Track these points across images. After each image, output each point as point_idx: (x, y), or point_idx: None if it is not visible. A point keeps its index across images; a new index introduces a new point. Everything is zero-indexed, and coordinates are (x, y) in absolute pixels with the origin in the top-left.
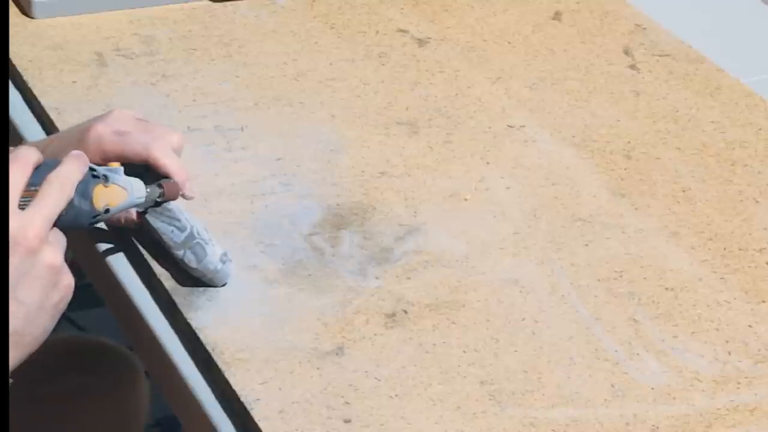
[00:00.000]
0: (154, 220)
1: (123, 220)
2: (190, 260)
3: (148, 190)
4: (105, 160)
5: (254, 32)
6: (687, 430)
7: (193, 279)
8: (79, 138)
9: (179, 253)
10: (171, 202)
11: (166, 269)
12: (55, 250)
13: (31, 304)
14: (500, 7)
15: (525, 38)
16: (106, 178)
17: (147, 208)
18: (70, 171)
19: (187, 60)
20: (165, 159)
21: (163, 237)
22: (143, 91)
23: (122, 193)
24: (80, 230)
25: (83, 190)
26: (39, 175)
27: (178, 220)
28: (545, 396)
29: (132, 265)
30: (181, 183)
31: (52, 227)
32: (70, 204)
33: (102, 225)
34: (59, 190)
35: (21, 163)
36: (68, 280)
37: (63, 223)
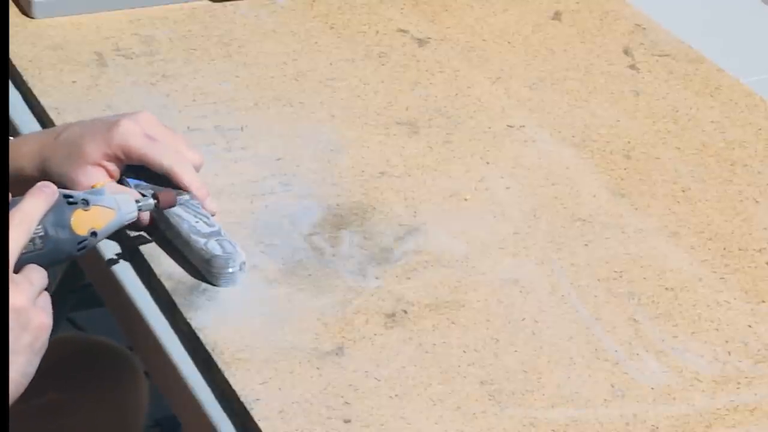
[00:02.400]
0: (179, 211)
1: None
2: (213, 247)
3: (140, 203)
4: (126, 157)
5: (254, 32)
6: (687, 430)
7: (200, 274)
8: (108, 128)
9: (201, 240)
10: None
11: (176, 260)
12: (18, 291)
13: None
14: (500, 7)
15: (525, 38)
16: (85, 202)
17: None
18: (30, 206)
19: (187, 60)
20: (187, 176)
21: (184, 225)
22: (143, 91)
23: (108, 213)
24: (70, 259)
25: (57, 219)
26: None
27: (207, 217)
28: (545, 396)
29: (132, 265)
30: (202, 199)
31: (18, 267)
32: (46, 237)
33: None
34: (17, 227)
35: None
36: (39, 320)
37: (46, 257)
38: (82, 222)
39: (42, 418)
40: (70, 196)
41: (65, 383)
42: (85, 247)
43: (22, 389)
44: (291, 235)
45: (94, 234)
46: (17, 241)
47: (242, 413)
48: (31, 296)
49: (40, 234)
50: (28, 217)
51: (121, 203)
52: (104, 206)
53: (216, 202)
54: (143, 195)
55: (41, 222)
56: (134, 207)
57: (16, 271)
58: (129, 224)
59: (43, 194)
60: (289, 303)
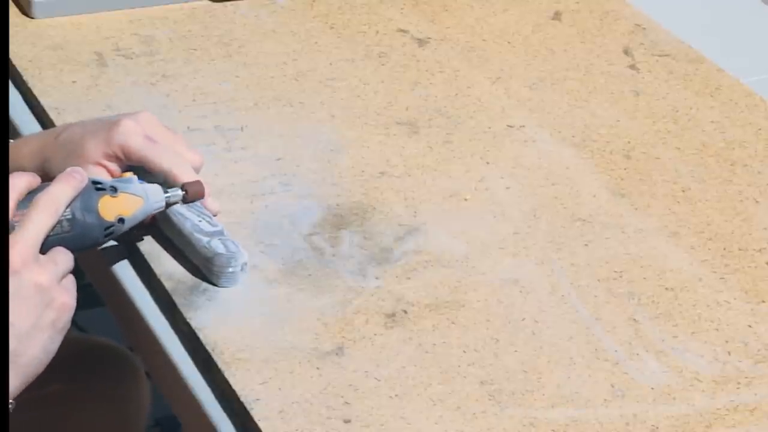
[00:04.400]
0: (182, 209)
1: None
2: (216, 246)
3: (168, 194)
4: (126, 157)
5: (254, 32)
6: (687, 430)
7: (200, 273)
8: (108, 128)
9: (204, 239)
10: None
11: (176, 259)
12: (42, 270)
13: (21, 325)
14: (500, 7)
15: (525, 38)
16: (114, 188)
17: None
18: (59, 190)
19: (187, 60)
20: (185, 177)
21: (187, 223)
22: (143, 91)
23: (136, 201)
24: (97, 245)
25: (85, 204)
26: (31, 198)
27: (210, 217)
28: (545, 396)
29: (132, 265)
30: (202, 200)
31: (45, 249)
32: (73, 221)
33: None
34: (44, 210)
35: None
36: (63, 299)
37: (73, 241)
38: (109, 208)
39: (42, 417)
40: (99, 182)
41: (65, 383)
42: (113, 233)
43: (42, 367)
44: (291, 235)
45: (121, 221)
46: (44, 223)
47: (242, 413)
48: (55, 276)
49: (68, 217)
50: (55, 200)
51: (149, 192)
52: (132, 194)
53: (216, 202)
54: (167, 189)
55: (69, 206)
56: (162, 196)
57: (43, 253)
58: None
59: (71, 179)
60: (289, 303)
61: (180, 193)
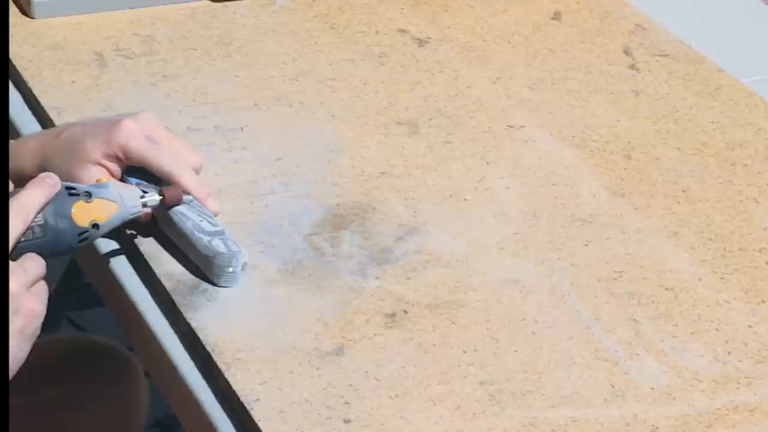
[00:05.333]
0: (183, 209)
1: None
2: (218, 245)
3: (144, 198)
4: (126, 157)
5: (254, 32)
6: (687, 430)
7: (200, 273)
8: (109, 128)
9: (205, 238)
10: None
11: (177, 259)
12: (11, 277)
13: None
14: (500, 7)
15: (525, 38)
16: (88, 194)
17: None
18: (29, 196)
19: (187, 60)
20: (185, 178)
21: (188, 223)
22: (143, 91)
23: (111, 207)
24: (71, 251)
25: (57, 209)
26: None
27: (210, 217)
28: (545, 396)
29: (132, 265)
30: (202, 200)
31: (16, 255)
32: (45, 226)
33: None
34: (14, 216)
35: None
36: (30, 305)
37: (45, 246)
38: (83, 213)
39: (42, 418)
40: (73, 188)
41: (65, 383)
42: (87, 239)
43: (12, 374)
44: (291, 235)
45: (95, 226)
46: (13, 228)
47: (242, 413)
48: (24, 282)
49: (40, 223)
50: (25, 206)
51: (125, 197)
52: (107, 199)
53: (217, 202)
54: (144, 192)
55: (42, 212)
56: (139, 201)
57: (13, 259)
58: (130, 221)
59: (44, 184)
60: (289, 303)
61: (157, 198)
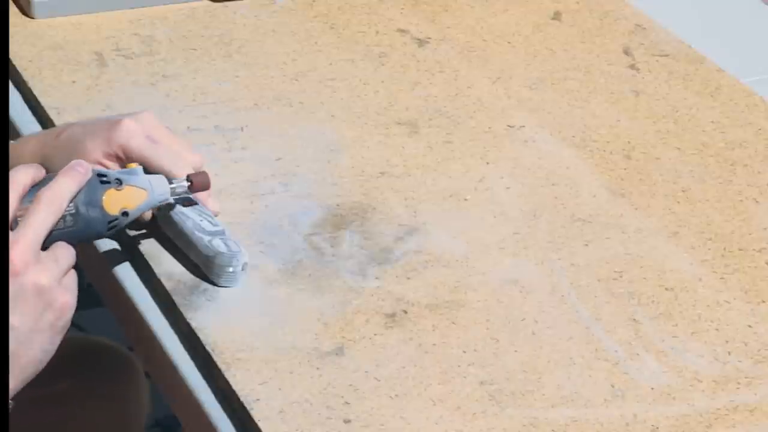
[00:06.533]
0: (182, 209)
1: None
2: (218, 245)
3: (173, 185)
4: (126, 157)
5: (254, 32)
6: (687, 430)
7: (200, 273)
8: (109, 127)
9: (205, 237)
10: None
11: (177, 259)
12: (43, 270)
13: (21, 326)
14: (500, 7)
15: (525, 38)
16: (119, 181)
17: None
18: (62, 185)
19: (187, 60)
20: None
21: (188, 222)
22: (143, 91)
23: (141, 194)
24: (102, 238)
25: (88, 198)
26: (36, 191)
27: (211, 217)
28: (545, 396)
29: (132, 264)
30: (202, 200)
31: (47, 244)
32: (77, 215)
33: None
34: (47, 206)
35: (11, 188)
36: (63, 299)
37: (76, 235)
38: (114, 201)
39: (42, 418)
40: (104, 175)
41: (65, 383)
42: (116, 227)
43: (41, 366)
44: (291, 235)
45: (125, 214)
46: (46, 221)
47: (242, 413)
48: (56, 275)
49: (71, 212)
50: (58, 196)
51: (154, 184)
52: (137, 186)
53: (217, 202)
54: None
55: (73, 200)
56: (167, 188)
57: (44, 248)
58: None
59: (75, 173)
60: (289, 303)
61: (185, 184)
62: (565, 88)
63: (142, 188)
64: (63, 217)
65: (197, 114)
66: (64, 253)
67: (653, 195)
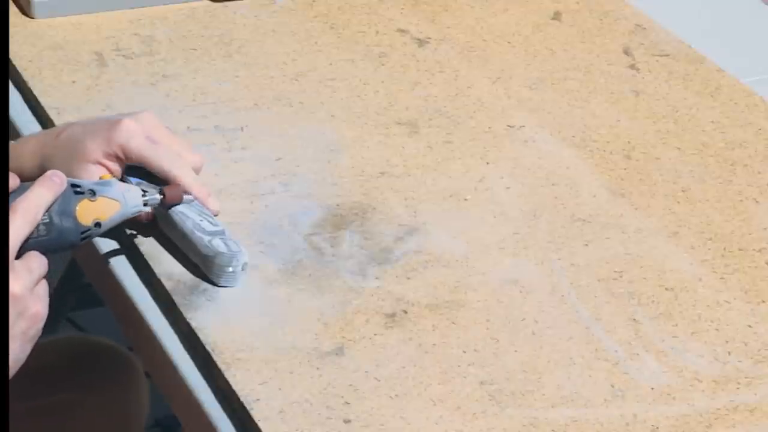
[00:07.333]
0: (183, 209)
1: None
2: (218, 245)
3: (146, 197)
4: (126, 157)
5: (254, 32)
6: (687, 430)
7: (200, 273)
8: (109, 127)
9: (205, 237)
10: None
11: (177, 259)
12: (16, 279)
13: None
14: (500, 7)
15: (525, 38)
16: (92, 192)
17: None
18: (38, 195)
19: (187, 60)
20: (185, 178)
21: (188, 222)
22: (143, 91)
23: (113, 205)
24: (74, 248)
25: (63, 208)
26: (13, 198)
27: (211, 217)
28: (545, 396)
29: (132, 265)
30: (202, 200)
31: (20, 253)
32: (50, 225)
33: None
34: (22, 216)
35: None
36: (36, 308)
37: (49, 244)
38: (87, 212)
39: (42, 418)
40: (78, 186)
41: (65, 383)
42: (89, 237)
43: (12, 373)
44: (291, 235)
45: (98, 225)
46: (20, 230)
47: (242, 413)
48: (28, 284)
49: (45, 221)
50: (33, 206)
51: (127, 196)
52: (110, 198)
53: (217, 202)
54: (145, 191)
55: (48, 210)
56: (140, 201)
57: (17, 258)
58: (130, 221)
59: (51, 183)
60: (289, 303)
61: (158, 197)
62: (565, 88)
63: (115, 200)
64: (37, 227)
65: (197, 114)
66: (37, 263)
67: (653, 195)
